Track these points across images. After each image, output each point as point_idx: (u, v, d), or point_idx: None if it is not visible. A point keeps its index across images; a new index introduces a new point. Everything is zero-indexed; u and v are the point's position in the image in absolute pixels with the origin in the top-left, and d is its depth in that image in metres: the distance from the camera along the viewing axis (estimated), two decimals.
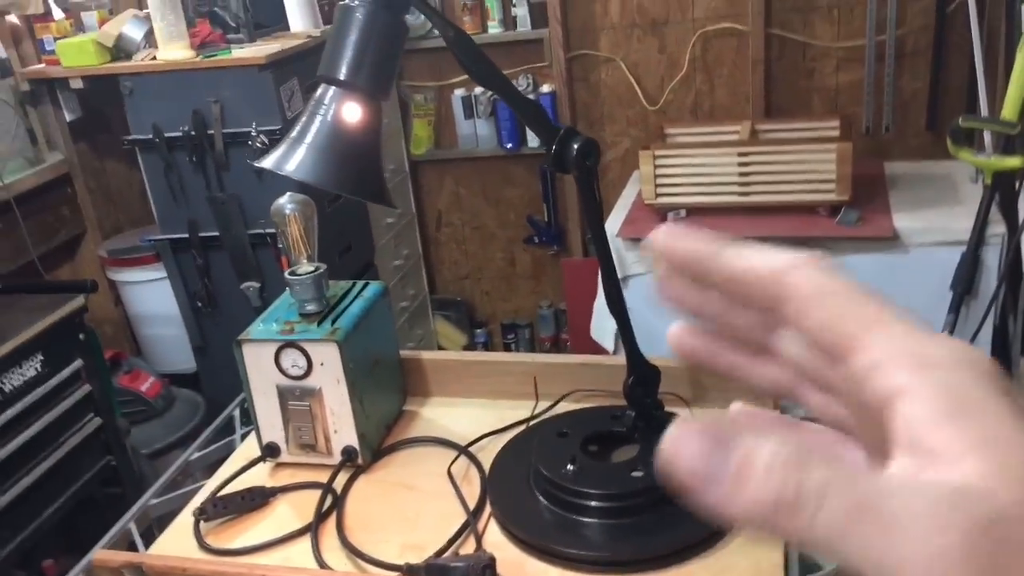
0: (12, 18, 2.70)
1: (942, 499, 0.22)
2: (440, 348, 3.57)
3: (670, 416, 1.10)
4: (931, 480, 0.23)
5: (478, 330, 3.65)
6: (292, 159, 0.88)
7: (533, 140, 3.21)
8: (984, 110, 2.33)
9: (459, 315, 3.65)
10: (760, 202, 2.35)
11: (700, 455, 0.25)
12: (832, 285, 0.27)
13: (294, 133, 0.89)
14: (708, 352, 0.32)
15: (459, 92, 3.22)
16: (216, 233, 2.62)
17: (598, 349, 2.60)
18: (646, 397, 1.07)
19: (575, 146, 0.94)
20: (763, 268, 0.29)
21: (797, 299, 0.28)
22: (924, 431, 0.24)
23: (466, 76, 3.47)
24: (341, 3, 0.87)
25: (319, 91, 0.90)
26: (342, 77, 0.87)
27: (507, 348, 3.59)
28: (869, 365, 0.26)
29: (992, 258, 2.15)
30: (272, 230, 2.50)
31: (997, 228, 2.13)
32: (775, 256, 0.29)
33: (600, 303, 2.63)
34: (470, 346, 3.63)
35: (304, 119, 0.89)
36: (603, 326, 2.59)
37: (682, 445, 0.25)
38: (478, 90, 3.21)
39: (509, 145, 3.22)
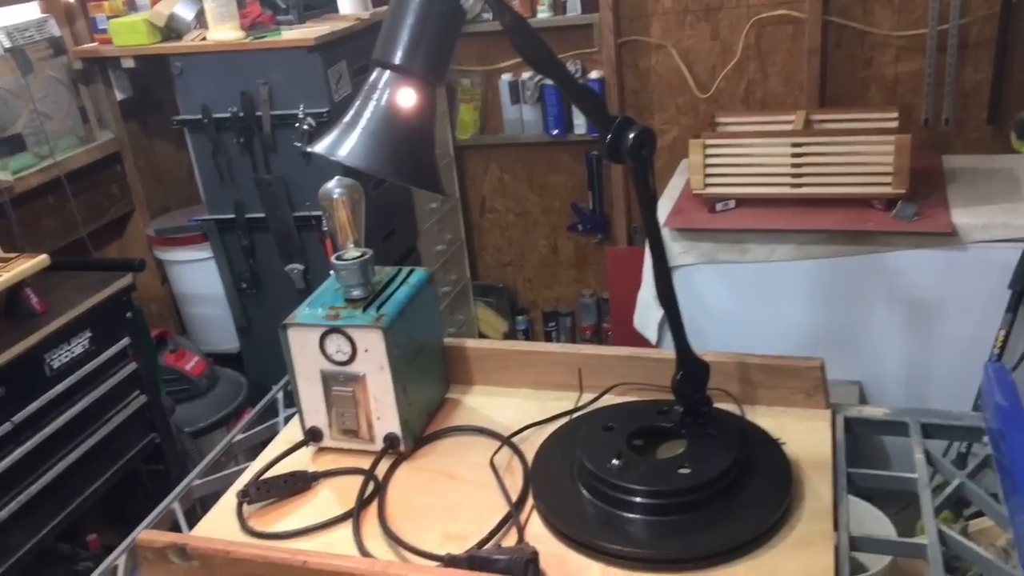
0: None
1: None
2: (481, 334, 3.57)
3: (718, 412, 1.08)
4: None
5: (519, 317, 3.64)
6: (345, 144, 0.86)
7: (579, 127, 3.18)
8: None
9: (500, 301, 3.64)
10: (813, 194, 2.30)
11: None
12: None
13: (347, 118, 0.88)
14: None
15: (506, 77, 3.19)
16: (262, 215, 2.63)
17: (640, 339, 2.57)
18: (694, 393, 1.05)
19: (631, 136, 0.92)
20: None
21: None
22: None
23: (513, 61, 3.42)
24: None
25: (373, 75, 0.88)
26: (397, 61, 0.86)
27: (548, 336, 3.57)
28: None
29: None
30: (317, 213, 2.51)
31: None
32: None
33: (644, 293, 2.59)
34: (511, 333, 3.62)
35: (357, 103, 0.88)
36: (646, 317, 2.56)
37: None
38: (525, 75, 3.18)
39: (555, 131, 3.19)
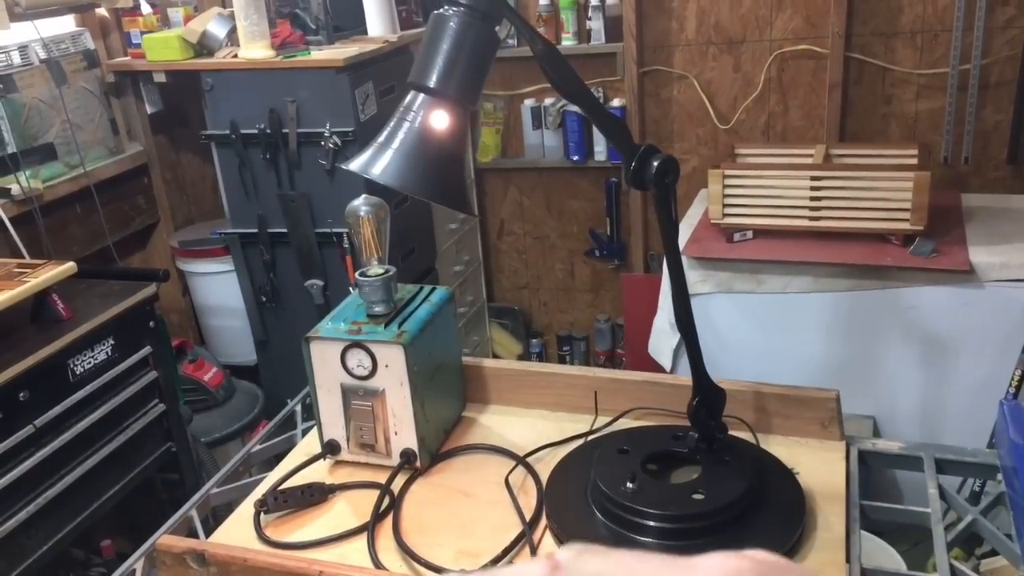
0: (102, 11, 2.79)
1: None
2: (495, 356, 3.58)
3: (733, 440, 1.09)
4: None
5: (534, 340, 3.65)
6: (379, 163, 0.89)
7: (599, 153, 3.21)
8: None
9: (515, 324, 3.65)
10: (831, 227, 2.31)
11: None
12: None
13: (381, 138, 0.90)
14: None
15: (529, 102, 3.23)
16: (284, 230, 2.66)
17: (654, 365, 2.58)
18: (710, 419, 1.06)
19: (655, 163, 0.94)
20: None
21: None
22: None
23: (536, 87, 3.43)
24: (436, 12, 0.88)
25: (408, 97, 0.91)
26: (432, 85, 0.88)
27: (562, 360, 3.58)
28: None
29: None
30: (339, 230, 2.54)
31: None
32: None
33: (659, 320, 2.60)
34: (525, 356, 3.63)
35: (392, 124, 0.90)
36: (661, 343, 2.57)
37: None
38: (548, 101, 3.21)
39: (575, 157, 3.22)
